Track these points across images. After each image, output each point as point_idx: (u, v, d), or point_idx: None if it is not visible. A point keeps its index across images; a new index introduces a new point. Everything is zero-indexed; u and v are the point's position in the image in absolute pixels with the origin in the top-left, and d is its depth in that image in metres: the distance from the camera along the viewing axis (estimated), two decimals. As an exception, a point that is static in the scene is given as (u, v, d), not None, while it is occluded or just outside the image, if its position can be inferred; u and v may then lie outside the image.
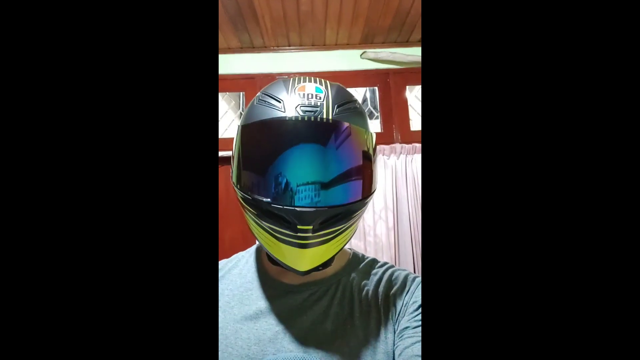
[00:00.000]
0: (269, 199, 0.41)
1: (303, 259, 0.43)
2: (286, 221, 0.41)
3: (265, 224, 0.42)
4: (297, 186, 0.41)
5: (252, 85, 1.72)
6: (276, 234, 0.42)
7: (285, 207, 0.40)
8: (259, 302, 0.48)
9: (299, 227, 0.40)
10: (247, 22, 1.55)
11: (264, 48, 1.76)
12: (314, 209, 0.40)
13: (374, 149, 0.47)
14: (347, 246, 0.51)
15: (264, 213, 0.42)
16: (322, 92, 0.44)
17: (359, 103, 0.47)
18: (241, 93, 1.76)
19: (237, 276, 0.52)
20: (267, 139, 0.44)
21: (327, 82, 0.47)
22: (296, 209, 0.40)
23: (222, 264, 0.55)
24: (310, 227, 0.40)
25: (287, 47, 1.76)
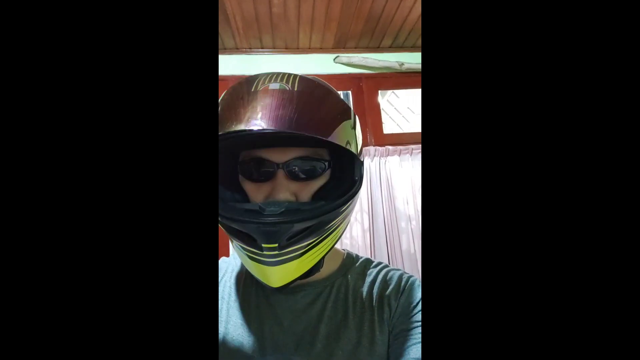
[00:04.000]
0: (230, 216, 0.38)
1: (273, 276, 0.40)
2: (251, 239, 0.38)
3: (234, 242, 0.40)
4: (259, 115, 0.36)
5: (224, 87, 1.67)
6: (245, 252, 0.40)
7: (247, 222, 0.37)
8: (252, 303, 0.46)
9: (264, 245, 0.37)
10: (217, 22, 1.52)
11: (235, 50, 1.73)
12: (276, 228, 0.36)
13: (358, 141, 0.42)
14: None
15: (229, 231, 0.39)
16: (287, 91, 0.38)
17: (336, 97, 0.42)
18: (212, 95, 1.71)
19: (231, 277, 0.50)
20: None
21: (298, 77, 0.40)
22: (259, 227, 0.37)
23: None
24: (276, 244, 0.37)
25: (260, 50, 1.75)
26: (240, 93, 0.39)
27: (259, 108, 0.36)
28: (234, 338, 0.43)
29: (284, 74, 0.41)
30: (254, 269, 0.41)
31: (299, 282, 0.46)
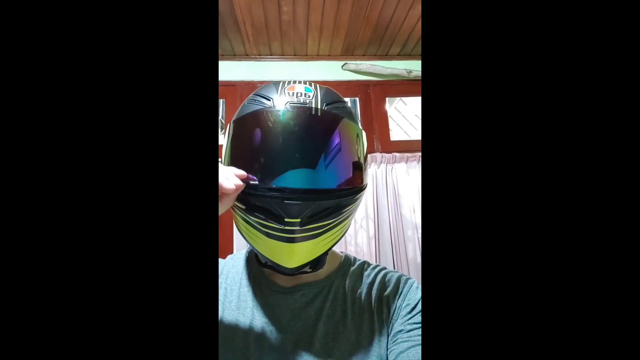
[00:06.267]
0: (256, 182, 0.40)
1: (290, 255, 0.41)
2: (274, 214, 0.39)
3: (253, 219, 0.41)
4: (286, 171, 0.40)
5: (233, 93, 1.70)
6: (264, 229, 0.41)
7: (272, 197, 0.39)
8: (250, 303, 0.46)
9: (286, 220, 0.39)
10: (228, 29, 1.55)
11: (245, 56, 1.76)
12: (300, 202, 0.39)
13: (364, 148, 0.46)
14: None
15: (251, 207, 0.41)
16: (311, 92, 0.44)
17: (348, 105, 0.47)
18: (221, 100, 1.74)
19: (227, 278, 0.50)
20: (255, 130, 0.44)
21: (317, 84, 0.47)
22: (284, 201, 0.39)
23: None
24: (298, 220, 0.39)
25: (269, 56, 1.77)
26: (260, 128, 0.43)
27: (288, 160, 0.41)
28: (232, 337, 0.43)
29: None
30: (270, 249, 0.42)
31: (298, 282, 0.46)
